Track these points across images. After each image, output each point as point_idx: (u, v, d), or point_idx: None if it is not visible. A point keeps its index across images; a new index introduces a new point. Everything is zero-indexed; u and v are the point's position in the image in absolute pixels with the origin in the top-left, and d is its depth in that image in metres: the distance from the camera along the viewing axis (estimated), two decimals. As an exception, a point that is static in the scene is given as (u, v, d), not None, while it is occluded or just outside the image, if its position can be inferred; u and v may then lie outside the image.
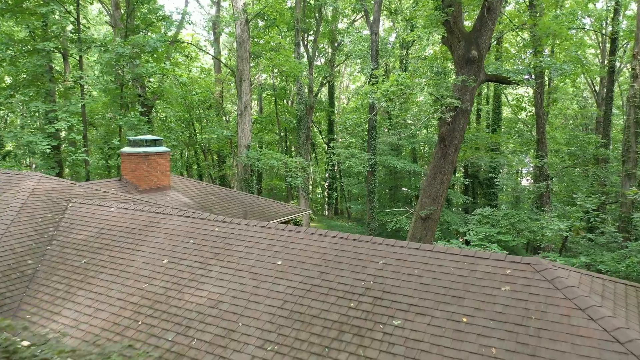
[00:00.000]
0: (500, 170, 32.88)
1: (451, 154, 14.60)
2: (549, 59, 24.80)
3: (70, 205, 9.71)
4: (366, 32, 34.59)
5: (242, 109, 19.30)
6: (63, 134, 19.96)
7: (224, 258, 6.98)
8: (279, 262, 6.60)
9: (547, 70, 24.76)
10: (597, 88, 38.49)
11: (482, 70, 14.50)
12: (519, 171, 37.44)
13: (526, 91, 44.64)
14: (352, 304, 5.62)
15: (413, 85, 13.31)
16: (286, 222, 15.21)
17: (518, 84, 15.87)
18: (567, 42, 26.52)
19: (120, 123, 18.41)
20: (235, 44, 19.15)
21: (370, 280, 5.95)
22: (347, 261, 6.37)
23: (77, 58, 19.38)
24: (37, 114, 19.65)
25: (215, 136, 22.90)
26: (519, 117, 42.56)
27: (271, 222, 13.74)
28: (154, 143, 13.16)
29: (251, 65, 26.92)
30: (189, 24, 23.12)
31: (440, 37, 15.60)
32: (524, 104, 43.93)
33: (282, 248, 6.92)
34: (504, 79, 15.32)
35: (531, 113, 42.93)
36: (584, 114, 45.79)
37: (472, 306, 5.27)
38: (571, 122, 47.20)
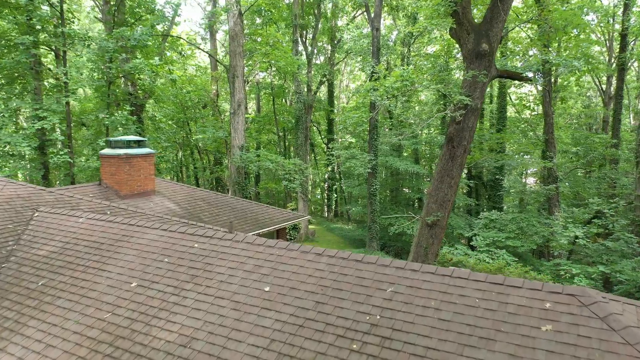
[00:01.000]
0: (507, 172, 31.80)
1: (460, 156, 13.52)
2: (555, 55, 23.78)
3: (36, 215, 8.62)
4: (366, 30, 33.59)
5: (235, 108, 18.16)
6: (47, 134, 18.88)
7: (202, 281, 5.89)
8: (267, 289, 5.51)
9: (556, 68, 23.74)
10: (603, 86, 37.44)
11: (493, 65, 13.43)
12: (526, 172, 36.34)
13: (530, 90, 43.65)
14: (354, 346, 4.53)
15: (419, 81, 12.23)
16: (282, 229, 14.14)
17: (531, 81, 14.80)
18: (573, 39, 25.43)
19: (106, 122, 17.31)
20: (228, 39, 18.05)
21: (376, 313, 4.86)
22: (348, 288, 5.29)
23: (62, 53, 18.26)
24: (17, 112, 18.54)
25: (207, 136, 21.72)
26: (522, 116, 41.46)
27: (265, 229, 12.67)
28: (137, 144, 12.08)
29: (246, 61, 25.83)
30: (185, 21, 22.04)
31: (444, 31, 14.49)
32: (530, 103, 42.84)
33: (271, 270, 5.84)
34: (516, 75, 14.24)
35: (535, 112, 41.93)
36: (587, 113, 44.75)
37: (506, 352, 4.19)
38: (575, 121, 46.15)
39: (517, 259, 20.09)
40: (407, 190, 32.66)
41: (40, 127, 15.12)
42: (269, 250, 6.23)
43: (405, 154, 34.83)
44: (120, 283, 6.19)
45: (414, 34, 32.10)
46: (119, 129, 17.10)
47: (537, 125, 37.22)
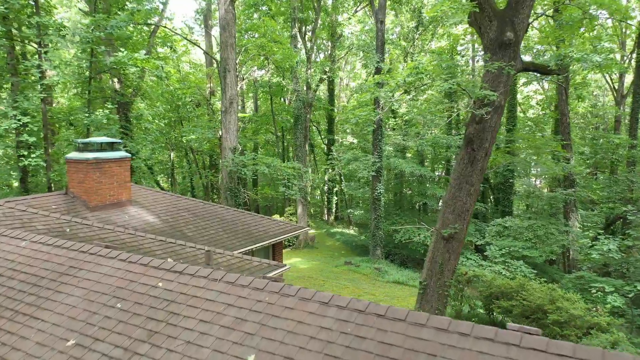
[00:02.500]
0: (517, 175, 30.16)
1: (480, 160, 11.89)
2: (573, 50, 22.13)
3: (-29, 235, 6.97)
4: (368, 26, 31.96)
5: (226, 105, 16.49)
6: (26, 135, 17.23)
7: (162, 341, 4.25)
8: (251, 358, 3.87)
9: (573, 64, 22.12)
10: (615, 85, 35.86)
11: (518, 56, 11.80)
12: (538, 175, 34.66)
13: (537, 89, 42.03)
14: None
15: (435, 74, 10.60)
16: (279, 244, 12.50)
17: (559, 74, 13.18)
18: (586, 36, 23.80)
19: (86, 122, 15.67)
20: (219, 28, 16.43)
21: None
22: (367, 361, 3.65)
23: (38, 45, 16.60)
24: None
25: (196, 137, 20.02)
26: (527, 115, 39.77)
27: (258, 245, 11.02)
28: (110, 147, 10.44)
29: (243, 57, 24.16)
30: (178, 18, 20.37)
31: (463, 16, 12.85)
32: (535, 102, 41.10)
33: (258, 327, 4.19)
34: (543, 68, 12.62)
35: (542, 112, 40.29)
36: (594, 112, 43.19)
37: None
38: (581, 120, 44.59)
39: (535, 271, 18.49)
40: (410, 193, 31.05)
41: (7, 127, 13.45)
42: (257, 295, 4.58)
43: (408, 155, 33.23)
44: (53, 340, 4.55)
45: (418, 28, 30.50)
46: (98, 129, 15.47)
47: (545, 125, 35.65)
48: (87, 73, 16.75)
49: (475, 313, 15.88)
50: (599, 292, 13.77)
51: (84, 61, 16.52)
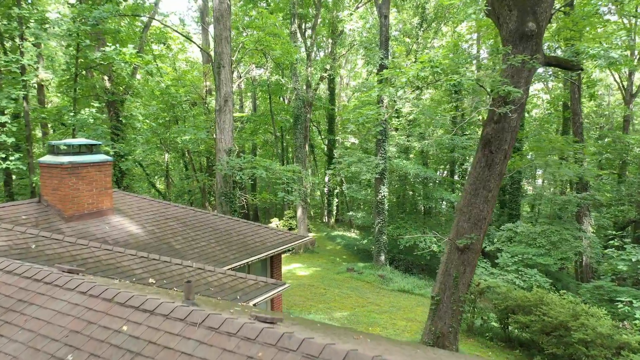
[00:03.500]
0: (524, 177, 29.12)
1: (499, 163, 10.83)
2: (587, 45, 21.05)
3: None
4: (370, 22, 30.87)
5: (221, 104, 15.34)
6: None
7: (120, 415, 3.17)
8: None
9: (590, 61, 21.03)
10: (624, 84, 34.83)
11: (541, 49, 10.74)
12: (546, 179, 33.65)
13: (542, 88, 40.94)
14: None
15: (451, 69, 9.53)
16: (277, 256, 11.43)
17: (582, 70, 12.13)
18: (601, 31, 22.72)
19: (70, 122, 14.58)
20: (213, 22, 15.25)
21: None
22: None
23: (19, 39, 15.49)
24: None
25: (188, 138, 18.82)
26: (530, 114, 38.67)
27: (254, 258, 9.94)
28: (89, 149, 9.36)
29: (240, 55, 23.07)
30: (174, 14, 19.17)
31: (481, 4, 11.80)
32: (538, 101, 40.02)
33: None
34: (566, 63, 11.55)
35: (547, 112, 39.25)
36: (599, 112, 42.22)
37: None
38: (586, 120, 43.57)
39: (550, 280, 17.44)
40: (413, 194, 29.96)
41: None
42: (247, 348, 3.50)
43: (411, 155, 32.13)
44: (-20, 407, 3.47)
45: (422, 25, 29.44)
46: (84, 130, 14.38)
47: (549, 124, 34.57)
48: (73, 69, 15.67)
49: (488, 327, 14.84)
50: (625, 306, 12.70)
51: (68, 57, 15.41)
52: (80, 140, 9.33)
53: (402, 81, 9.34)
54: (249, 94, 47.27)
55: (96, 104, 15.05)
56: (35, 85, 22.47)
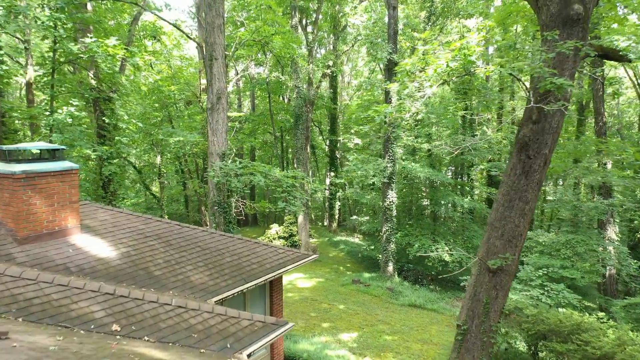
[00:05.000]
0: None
1: (538, 170, 9.24)
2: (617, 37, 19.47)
3: None
4: (375, 16, 29.24)
5: (213, 101, 13.62)
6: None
7: None
8: None
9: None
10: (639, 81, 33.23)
11: (587, 35, 9.15)
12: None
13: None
14: None
15: (484, 57, 7.92)
16: (277, 280, 9.83)
17: (630, 62, 10.53)
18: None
19: (45, 122, 12.96)
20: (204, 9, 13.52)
21: None
22: None
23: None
24: None
25: (178, 139, 17.06)
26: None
27: (250, 284, 8.33)
28: (51, 155, 7.75)
29: (241, 50, 21.41)
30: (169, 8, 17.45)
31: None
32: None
33: None
34: (614, 54, 9.94)
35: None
36: (609, 111, 40.68)
37: None
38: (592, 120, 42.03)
39: (578, 297, 15.80)
40: (418, 197, 28.32)
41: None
42: None
43: (416, 157, 30.50)
44: None
45: (430, 19, 27.84)
46: (62, 131, 12.75)
47: (568, 126, 32.97)
48: (50, 63, 14.06)
49: (515, 353, 13.20)
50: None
51: (45, 49, 13.79)
52: (39, 145, 7.72)
53: (430, 73, 7.75)
54: (247, 92, 45.70)
55: (76, 102, 13.43)
56: (24, 83, 20.90)
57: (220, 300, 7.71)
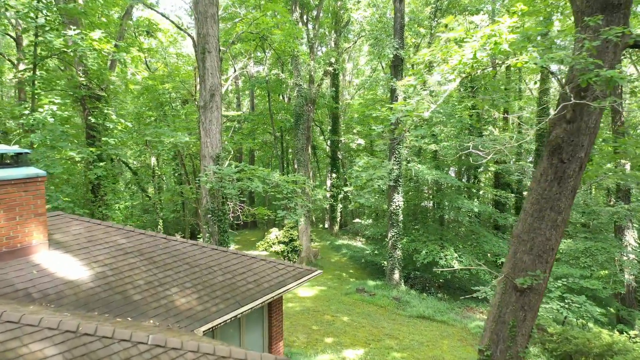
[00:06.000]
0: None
1: (573, 176, 8.15)
2: None
3: None
4: (379, 11, 28.13)
5: (206, 99, 12.47)
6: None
7: None
8: None
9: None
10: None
11: (628, 22, 8.05)
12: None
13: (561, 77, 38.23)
14: None
15: (515, 47, 6.82)
16: (277, 302, 8.73)
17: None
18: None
19: (23, 121, 11.86)
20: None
21: None
22: None
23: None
24: None
25: (168, 140, 15.81)
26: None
27: (246, 308, 7.24)
28: (13, 160, 6.67)
29: (229, 40, 20.29)
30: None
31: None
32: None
33: None
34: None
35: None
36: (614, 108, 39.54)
37: None
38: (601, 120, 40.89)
39: (601, 310, 14.69)
40: (426, 202, 27.24)
41: None
42: None
43: (420, 158, 29.40)
44: None
45: (436, 14, 26.72)
46: (40, 131, 11.64)
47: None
48: (31, 58, 12.97)
49: (538, 374, 12.11)
50: None
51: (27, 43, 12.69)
52: (-2, 148, 6.63)
53: (453, 64, 6.67)
54: (246, 92, 44.62)
55: (58, 100, 12.35)
56: (15, 80, 19.83)
57: (210, 328, 6.62)
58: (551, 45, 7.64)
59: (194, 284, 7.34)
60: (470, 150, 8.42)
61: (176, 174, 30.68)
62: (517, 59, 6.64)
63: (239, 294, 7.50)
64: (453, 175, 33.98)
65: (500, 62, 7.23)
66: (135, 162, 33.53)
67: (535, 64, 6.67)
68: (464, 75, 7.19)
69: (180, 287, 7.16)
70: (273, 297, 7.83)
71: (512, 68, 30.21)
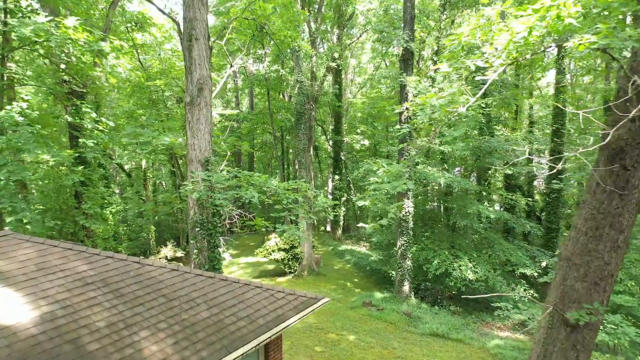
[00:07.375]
0: (565, 182, 24.95)
1: (638, 186, 6.63)
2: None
3: None
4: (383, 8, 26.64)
5: (193, 94, 10.86)
6: None
7: None
8: None
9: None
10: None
11: None
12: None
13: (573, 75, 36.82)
14: None
15: (565, 29, 5.31)
16: (276, 342, 7.23)
17: None
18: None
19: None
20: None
21: None
22: None
23: None
24: None
25: (147, 140, 14.23)
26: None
27: (237, 354, 5.76)
28: None
29: (225, 30, 18.79)
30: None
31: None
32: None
33: None
34: None
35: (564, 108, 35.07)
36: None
37: None
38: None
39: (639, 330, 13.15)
40: (435, 208, 25.72)
41: None
42: None
43: (430, 161, 27.90)
44: None
45: (445, 7, 25.20)
46: (3, 132, 10.17)
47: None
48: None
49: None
50: None
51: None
52: None
53: (503, 44, 5.21)
54: (246, 90, 43.17)
55: (27, 97, 10.91)
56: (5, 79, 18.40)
57: (188, 386, 5.12)
58: (615, 25, 6.13)
59: (170, 325, 5.84)
60: (527, 156, 6.93)
61: (172, 177, 29.25)
62: (582, 40, 5.15)
63: (226, 335, 6.00)
64: (458, 174, 32.48)
65: (557, 43, 5.72)
66: (132, 164, 32.11)
67: (606, 47, 5.17)
68: (511, 62, 5.69)
69: (152, 329, 5.66)
70: (270, 337, 6.33)
71: (522, 64, 28.69)
